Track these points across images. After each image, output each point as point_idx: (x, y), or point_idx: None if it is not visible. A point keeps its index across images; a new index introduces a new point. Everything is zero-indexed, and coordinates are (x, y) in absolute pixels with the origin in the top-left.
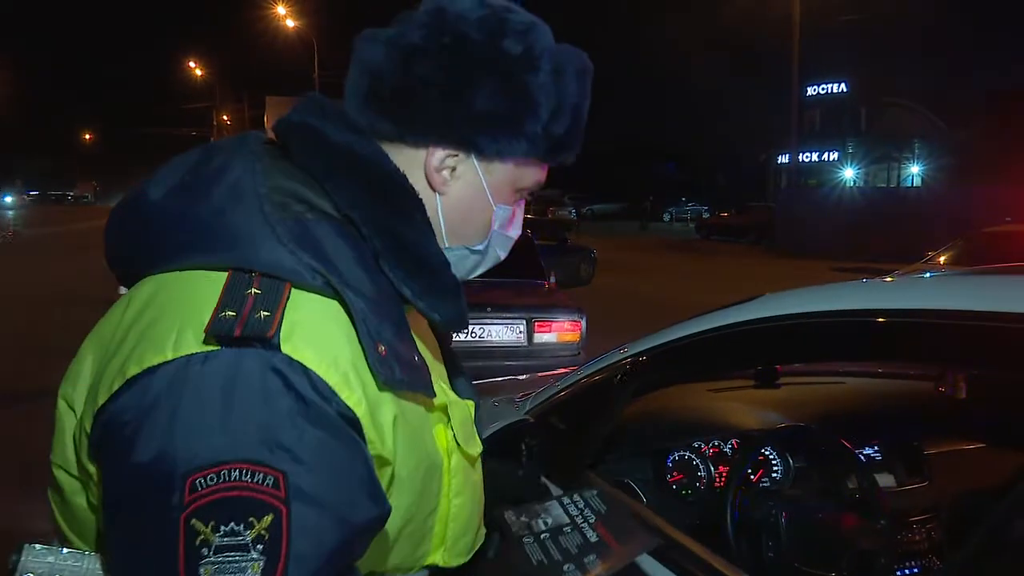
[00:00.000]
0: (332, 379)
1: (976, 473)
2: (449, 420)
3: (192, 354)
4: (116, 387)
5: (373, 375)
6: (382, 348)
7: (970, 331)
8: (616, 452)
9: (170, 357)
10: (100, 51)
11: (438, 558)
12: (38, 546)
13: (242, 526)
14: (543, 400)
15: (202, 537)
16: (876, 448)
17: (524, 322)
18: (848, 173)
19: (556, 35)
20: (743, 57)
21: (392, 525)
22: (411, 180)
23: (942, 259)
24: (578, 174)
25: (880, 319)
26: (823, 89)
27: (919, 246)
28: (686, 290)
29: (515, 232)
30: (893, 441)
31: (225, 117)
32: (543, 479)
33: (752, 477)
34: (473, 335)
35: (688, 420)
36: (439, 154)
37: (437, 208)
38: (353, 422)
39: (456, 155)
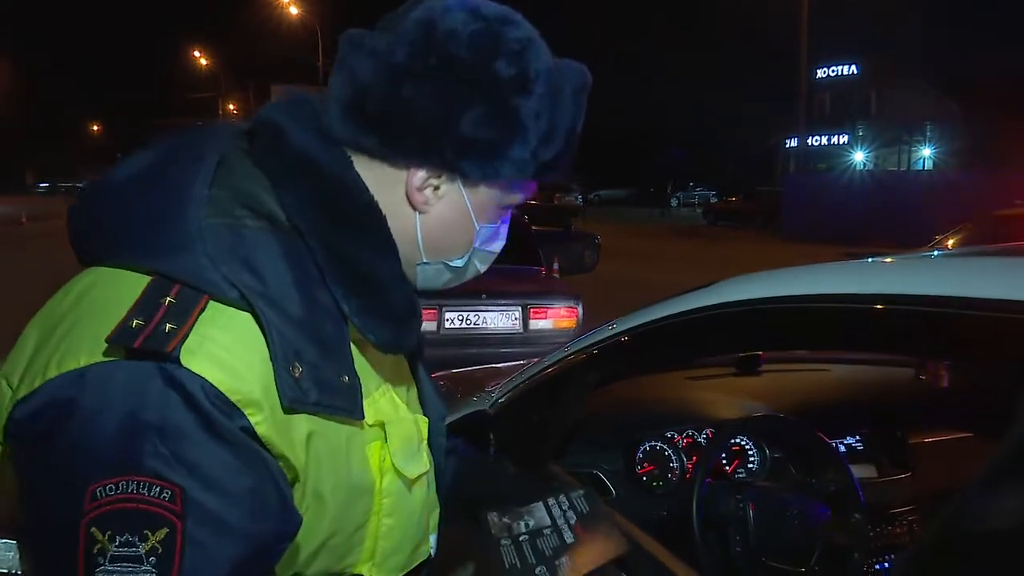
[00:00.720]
0: (236, 396)
1: (961, 464)
2: (386, 439)
3: (100, 363)
4: (36, 384)
5: (279, 395)
6: (297, 369)
7: (939, 319)
8: (586, 442)
9: (83, 363)
10: (104, 42)
11: (364, 570)
12: None
13: (136, 538)
14: (508, 390)
15: (99, 546)
16: (858, 438)
17: (520, 308)
18: (858, 157)
19: (558, 26)
20: (752, 40)
21: (313, 538)
22: (391, 196)
23: (950, 242)
24: (585, 160)
25: (846, 304)
26: (833, 71)
27: (930, 230)
28: (691, 277)
29: (498, 247)
30: (876, 431)
31: (231, 106)
32: (553, 469)
33: (727, 468)
34: (468, 322)
35: (663, 409)
36: (421, 174)
37: (416, 226)
38: (259, 438)
39: (440, 176)
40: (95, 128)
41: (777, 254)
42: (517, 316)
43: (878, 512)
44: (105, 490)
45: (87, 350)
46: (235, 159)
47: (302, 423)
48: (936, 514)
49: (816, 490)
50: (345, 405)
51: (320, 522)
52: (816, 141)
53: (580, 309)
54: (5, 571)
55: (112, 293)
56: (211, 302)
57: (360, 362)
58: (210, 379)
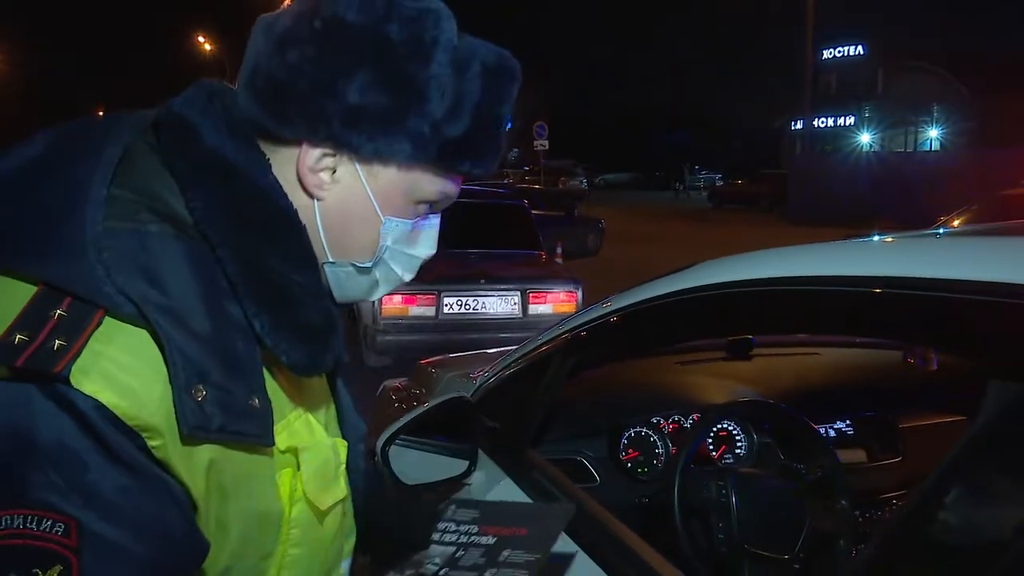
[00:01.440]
0: (133, 421)
1: (952, 448)
2: (299, 467)
3: None
4: None
5: (179, 421)
6: (200, 392)
7: (914, 301)
8: (570, 428)
9: None
10: (109, 30)
11: None
12: None
13: None
14: (490, 377)
15: None
16: (848, 423)
17: (519, 293)
18: (864, 138)
19: (561, 8)
20: (757, 20)
21: (215, 565)
22: (287, 183)
23: (955, 223)
24: (590, 144)
25: (812, 287)
26: (839, 52)
27: (937, 211)
28: (695, 260)
29: (423, 251)
30: (867, 415)
31: None
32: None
33: (714, 454)
34: (467, 307)
35: (650, 394)
36: (314, 153)
37: (315, 215)
38: (160, 463)
39: (333, 155)
40: (100, 116)
41: (781, 237)
42: (516, 301)
43: (868, 497)
44: None
45: None
46: (139, 155)
47: (204, 450)
48: (885, 520)
49: (802, 475)
50: (254, 431)
51: (221, 551)
52: (822, 123)
53: (580, 293)
54: None
55: None
56: (107, 317)
57: (272, 383)
58: (105, 402)
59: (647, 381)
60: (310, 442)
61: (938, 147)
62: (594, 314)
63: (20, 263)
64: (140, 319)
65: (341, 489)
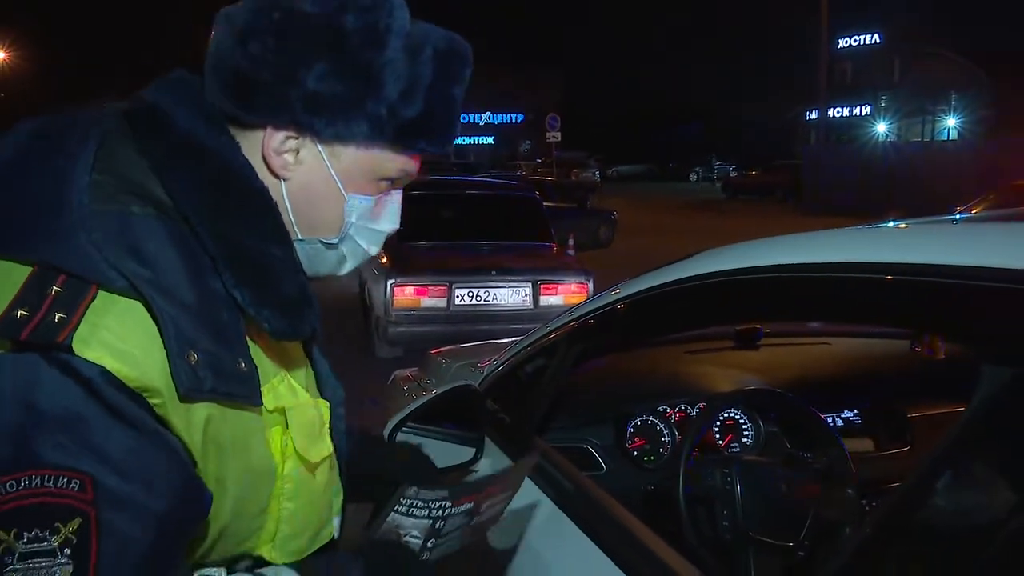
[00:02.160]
0: (135, 383)
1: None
2: (287, 425)
3: None
4: None
5: (175, 383)
6: (193, 356)
7: (903, 287)
8: (577, 416)
9: None
10: (120, 27)
11: (264, 552)
12: None
13: (47, 532)
14: (498, 365)
15: (5, 545)
16: (856, 412)
17: (530, 285)
18: (880, 128)
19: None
20: (771, 9)
21: (214, 523)
22: (255, 165)
23: (973, 212)
24: (602, 136)
25: (819, 274)
26: (855, 40)
27: (955, 201)
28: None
29: (387, 225)
30: (876, 405)
31: None
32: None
33: (721, 442)
34: (478, 298)
35: (657, 383)
36: (278, 136)
37: (282, 195)
38: (161, 420)
39: (296, 138)
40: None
41: (795, 228)
42: (527, 292)
43: (875, 487)
44: (5, 487)
45: None
46: (116, 143)
47: (200, 409)
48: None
49: (808, 464)
50: (243, 392)
51: (221, 507)
52: (837, 112)
53: (591, 285)
54: None
55: None
56: (100, 291)
57: (255, 349)
58: (108, 367)
59: (654, 370)
60: (294, 403)
61: (956, 136)
62: (601, 302)
63: (15, 248)
64: (132, 292)
65: (327, 446)
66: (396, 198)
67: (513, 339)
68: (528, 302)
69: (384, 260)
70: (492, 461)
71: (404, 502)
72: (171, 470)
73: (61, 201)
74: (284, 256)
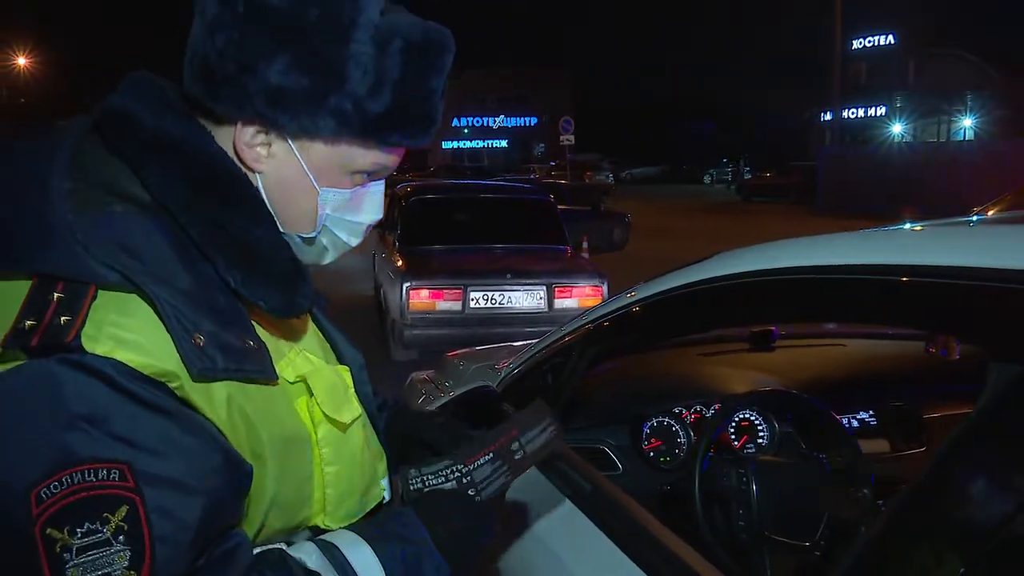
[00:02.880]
0: (150, 370)
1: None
2: (312, 393)
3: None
4: None
5: (187, 366)
6: (199, 338)
7: (942, 290)
8: (593, 417)
9: None
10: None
11: (319, 522)
12: None
13: (98, 523)
14: (515, 367)
15: (61, 543)
16: (871, 413)
17: (545, 288)
18: (896, 129)
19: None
20: (785, 11)
21: (261, 497)
22: (231, 158)
23: (990, 214)
24: (616, 138)
25: (835, 276)
26: (869, 41)
27: (971, 203)
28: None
29: (366, 217)
30: (891, 406)
31: None
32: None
33: (736, 443)
34: (493, 301)
35: (673, 385)
36: (248, 130)
37: (259, 188)
38: (183, 401)
39: (265, 132)
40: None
41: (810, 230)
42: (542, 295)
43: (890, 487)
44: (49, 490)
45: None
46: (88, 149)
47: (219, 387)
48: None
49: (823, 464)
50: (255, 368)
51: (264, 479)
52: (852, 114)
53: (605, 288)
54: None
55: None
56: (99, 290)
57: (261, 330)
58: (120, 359)
59: (669, 371)
60: (311, 369)
61: (972, 137)
62: (616, 304)
63: (9, 265)
64: (128, 284)
65: (356, 408)
66: (375, 189)
67: (529, 341)
68: (543, 305)
69: (400, 263)
70: None
71: (413, 482)
72: (205, 446)
73: (43, 211)
74: (270, 235)
